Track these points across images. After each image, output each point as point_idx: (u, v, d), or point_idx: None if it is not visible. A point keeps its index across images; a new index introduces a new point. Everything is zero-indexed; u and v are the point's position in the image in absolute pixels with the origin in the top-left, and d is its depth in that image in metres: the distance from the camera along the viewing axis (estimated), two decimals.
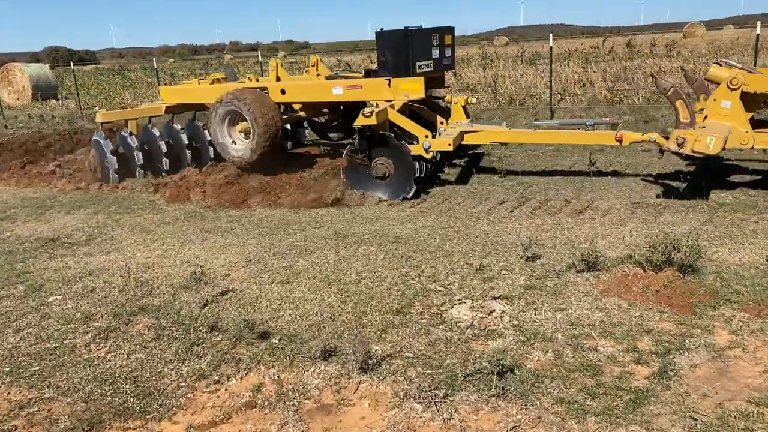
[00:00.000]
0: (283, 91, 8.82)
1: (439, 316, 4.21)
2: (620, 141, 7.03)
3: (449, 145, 7.31)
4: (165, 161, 9.38)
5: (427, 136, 7.34)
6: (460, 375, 3.42)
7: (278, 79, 9.61)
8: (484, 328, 3.97)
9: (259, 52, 29.72)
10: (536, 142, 8.93)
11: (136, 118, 9.92)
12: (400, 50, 7.96)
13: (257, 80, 9.70)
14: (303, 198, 7.63)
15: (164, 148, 9.37)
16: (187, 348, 4.00)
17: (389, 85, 7.98)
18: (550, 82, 14.02)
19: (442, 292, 4.59)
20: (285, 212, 7.34)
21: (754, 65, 12.68)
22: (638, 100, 14.58)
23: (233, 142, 8.68)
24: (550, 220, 6.16)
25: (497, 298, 4.38)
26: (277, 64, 9.67)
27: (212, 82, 10.29)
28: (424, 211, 6.99)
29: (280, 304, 4.61)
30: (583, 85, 16.74)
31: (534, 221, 6.17)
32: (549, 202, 6.85)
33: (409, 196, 7.35)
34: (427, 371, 3.53)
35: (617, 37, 53.49)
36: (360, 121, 7.17)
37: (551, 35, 13.64)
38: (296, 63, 41.45)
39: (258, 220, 7.03)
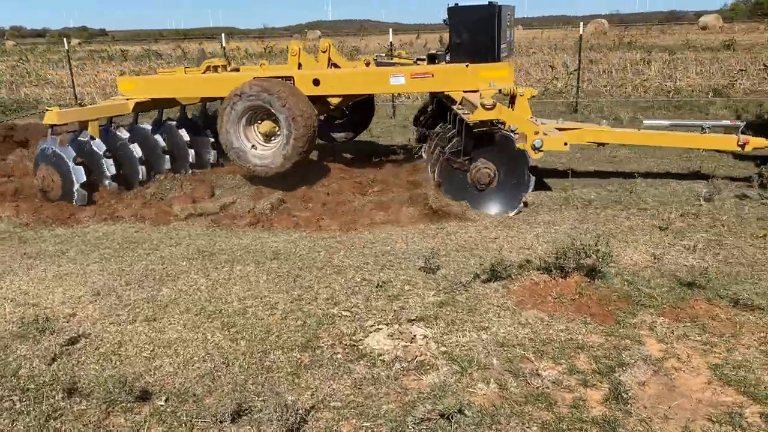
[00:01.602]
0: (316, 82, 7.08)
1: (354, 348, 3.67)
2: (743, 146, 6.61)
3: (565, 144, 6.30)
4: (141, 170, 7.29)
5: (537, 133, 5.95)
6: (408, 425, 2.92)
7: (300, 66, 7.79)
8: (412, 360, 3.51)
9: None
10: (642, 143, 7.62)
11: (97, 119, 7.39)
12: (485, 30, 6.73)
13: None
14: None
15: (138, 154, 7.30)
16: (40, 425, 3.05)
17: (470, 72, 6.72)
18: None
19: (349, 317, 4.05)
20: (126, 228, 6.28)
21: None
22: None
23: (253, 146, 6.96)
24: (433, 225, 5.86)
25: (413, 320, 3.94)
26: (299, 48, 7.74)
27: (205, 71, 8.31)
28: None
29: (153, 349, 3.77)
30: None
31: (418, 227, 5.83)
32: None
33: (517, 208, 6.12)
34: (365, 424, 2.99)
35: (429, 34, 56.14)
36: (479, 116, 5.73)
37: (391, 31, 13.51)
38: (96, 51, 37.93)
39: (95, 240, 5.92)
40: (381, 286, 4.46)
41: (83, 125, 7.09)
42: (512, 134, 5.84)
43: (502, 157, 5.94)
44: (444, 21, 7.18)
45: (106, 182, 7.04)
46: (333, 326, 3.94)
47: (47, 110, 6.98)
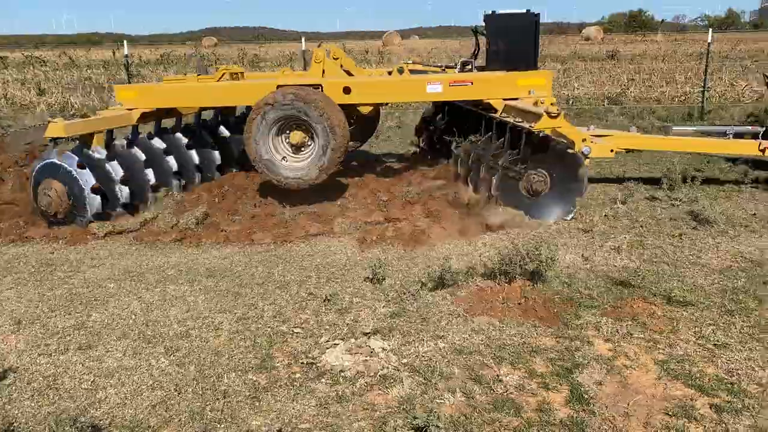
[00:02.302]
0: (347, 90, 6.71)
1: (313, 366, 3.57)
2: (763, 151, 6.74)
3: (611, 151, 6.12)
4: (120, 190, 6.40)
5: (584, 140, 5.85)
6: None
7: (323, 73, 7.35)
8: (375, 374, 3.46)
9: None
10: (673, 149, 7.81)
11: (102, 131, 6.67)
12: (524, 37, 6.74)
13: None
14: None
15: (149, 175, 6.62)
16: None
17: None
18: None
19: (301, 333, 3.94)
20: (39, 249, 5.82)
21: None
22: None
23: (283, 158, 6.52)
24: (353, 228, 5.83)
25: (369, 333, 3.89)
26: (324, 54, 7.21)
27: (220, 78, 7.64)
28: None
29: (94, 380, 3.50)
30: None
31: (354, 236, 5.78)
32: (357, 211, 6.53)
33: (569, 218, 6.02)
34: None
35: (329, 43, 56.24)
36: (545, 124, 5.67)
37: (303, 39, 13.36)
38: None
39: (5, 263, 5.45)
40: (329, 300, 4.38)
41: (87, 138, 6.44)
42: (564, 140, 5.83)
43: (556, 164, 5.86)
44: (474, 29, 7.20)
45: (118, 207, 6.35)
46: (286, 344, 3.82)
47: (50, 122, 6.28)
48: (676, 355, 3.57)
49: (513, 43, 6.87)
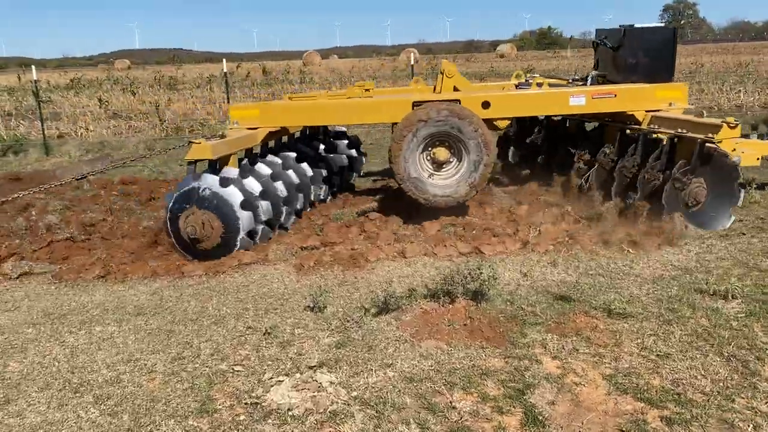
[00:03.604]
0: (486, 104, 6.57)
1: (257, 406, 3.38)
2: None
3: (757, 159, 6.15)
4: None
5: (734, 150, 5.81)
6: None
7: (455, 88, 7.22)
8: (324, 410, 3.30)
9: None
10: None
11: (236, 152, 6.30)
12: (664, 50, 6.88)
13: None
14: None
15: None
16: None
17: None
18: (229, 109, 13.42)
19: (242, 371, 3.74)
20: None
21: None
22: None
23: (430, 176, 6.30)
24: (288, 254, 5.66)
25: (315, 367, 3.73)
26: (455, 69, 7.01)
27: (361, 94, 7.31)
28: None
29: None
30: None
31: (290, 262, 5.60)
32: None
33: (727, 226, 6.00)
34: None
35: (249, 63, 55.72)
36: (725, 134, 5.68)
37: (224, 60, 13.07)
38: None
39: None
40: (269, 333, 4.20)
41: (224, 159, 6.04)
42: (721, 149, 5.80)
43: (716, 173, 5.87)
44: (594, 42, 7.51)
45: (260, 228, 5.97)
46: (226, 384, 3.62)
47: (193, 143, 5.80)
48: (622, 369, 3.60)
49: (652, 55, 7.05)
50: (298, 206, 6.78)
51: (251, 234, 5.87)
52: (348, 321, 4.30)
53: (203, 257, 5.72)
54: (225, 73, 13.17)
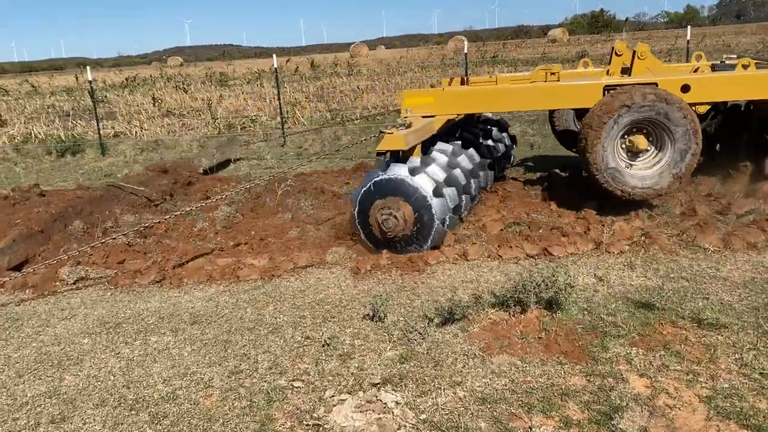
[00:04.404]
0: (686, 88, 6.02)
1: (320, 428, 3.15)
2: None
3: None
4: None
5: None
6: None
7: (624, 71, 6.74)
8: None
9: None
10: None
11: (421, 142, 6.00)
12: None
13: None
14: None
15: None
16: None
17: None
18: (280, 104, 13.33)
19: (302, 388, 3.53)
20: (2, 300, 5.31)
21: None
22: (356, 119, 14.82)
23: (627, 165, 5.97)
24: (346, 258, 5.42)
25: (378, 384, 3.48)
26: (647, 49, 6.56)
27: (546, 78, 6.94)
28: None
29: None
30: (294, 106, 16.46)
31: (347, 266, 5.37)
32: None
33: None
34: None
35: (297, 57, 55.97)
36: None
37: (275, 56, 12.95)
38: None
39: None
40: (328, 345, 3.97)
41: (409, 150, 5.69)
42: None
43: None
44: None
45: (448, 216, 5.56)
46: (286, 402, 3.40)
47: (384, 133, 5.56)
48: (721, 390, 3.23)
49: None
50: (473, 193, 6.39)
51: (443, 223, 5.49)
52: (411, 332, 4.03)
53: (395, 250, 5.47)
54: (275, 69, 13.04)
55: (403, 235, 5.36)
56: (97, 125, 13.83)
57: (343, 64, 37.37)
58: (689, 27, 13.59)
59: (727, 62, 7.14)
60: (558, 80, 6.93)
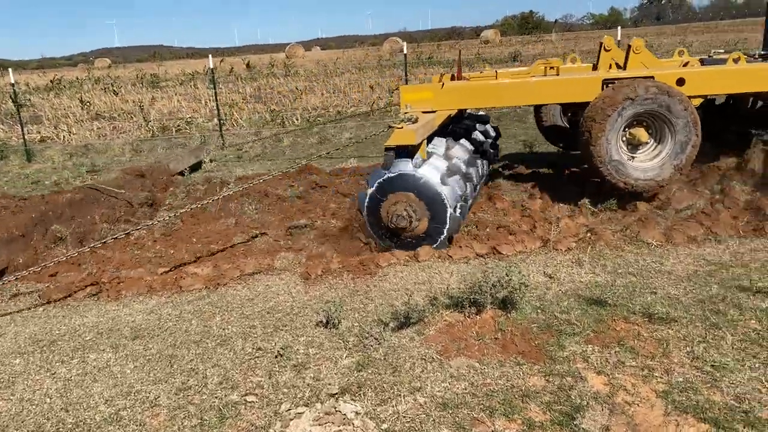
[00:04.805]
0: (681, 81, 6.00)
1: None
2: None
3: None
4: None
5: None
6: None
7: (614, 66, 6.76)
8: None
9: None
10: None
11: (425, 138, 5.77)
12: None
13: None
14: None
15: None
16: None
17: None
18: (217, 106, 12.95)
19: (256, 402, 3.37)
20: None
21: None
22: (297, 119, 14.60)
23: (629, 158, 5.98)
24: (295, 263, 5.29)
25: (336, 395, 3.37)
26: (642, 44, 6.57)
27: (546, 72, 6.93)
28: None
29: None
30: (231, 107, 16.06)
31: (296, 271, 5.22)
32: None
33: None
34: None
35: (231, 57, 54.88)
36: None
37: (210, 56, 12.58)
38: None
39: None
40: (281, 355, 3.83)
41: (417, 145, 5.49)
42: None
43: None
44: None
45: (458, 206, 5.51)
46: (239, 418, 3.25)
47: (393, 127, 5.43)
48: (676, 384, 3.27)
49: None
50: (476, 182, 6.37)
51: (455, 210, 5.44)
52: (366, 338, 3.93)
53: (407, 246, 5.37)
54: (212, 69, 12.67)
55: (418, 231, 5.33)
56: (22, 130, 13.11)
57: (280, 64, 36.89)
58: (619, 28, 14.01)
59: (715, 57, 7.35)
60: (557, 74, 6.97)
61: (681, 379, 3.30)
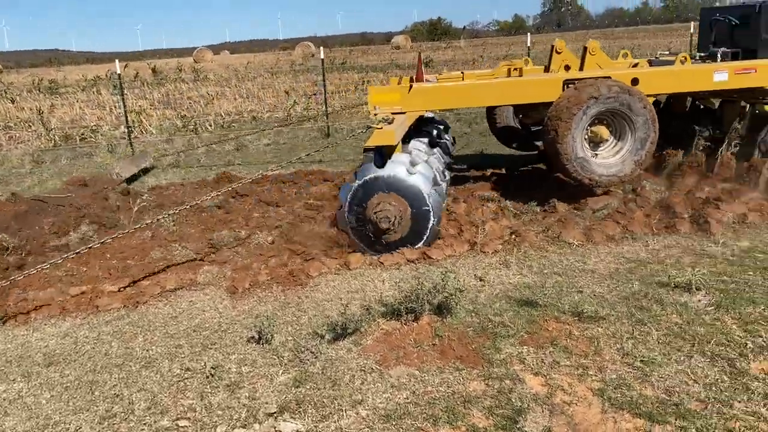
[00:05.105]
0: (635, 81, 6.26)
1: None
2: None
3: None
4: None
5: None
6: None
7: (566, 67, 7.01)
8: None
9: None
10: None
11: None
12: None
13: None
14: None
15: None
16: None
17: None
18: (125, 113, 12.34)
19: (189, 427, 3.19)
20: None
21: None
22: (211, 125, 14.18)
23: (593, 155, 6.17)
24: (220, 277, 5.10)
25: (274, 414, 3.24)
26: (597, 46, 6.86)
27: (509, 74, 7.08)
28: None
29: None
30: (139, 114, 15.36)
31: (222, 285, 5.02)
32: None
33: None
34: None
35: (135, 62, 52.68)
36: None
37: (117, 61, 11.98)
38: None
39: None
40: (213, 375, 3.65)
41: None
42: None
43: None
44: (712, 21, 7.55)
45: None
46: None
47: (374, 128, 5.43)
48: (610, 380, 3.36)
49: None
50: (446, 188, 6.26)
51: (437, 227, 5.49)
52: (302, 352, 3.82)
53: (389, 248, 5.37)
54: (118, 75, 12.08)
55: (401, 232, 5.36)
56: None
57: (188, 69, 35.78)
58: (529, 35, 14.51)
59: (661, 58, 7.76)
60: (520, 75, 7.17)
61: (614, 376, 3.40)
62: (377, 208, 5.25)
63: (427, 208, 5.32)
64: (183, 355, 3.93)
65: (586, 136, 6.21)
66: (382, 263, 5.18)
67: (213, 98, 19.02)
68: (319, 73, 27.23)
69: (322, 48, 13.57)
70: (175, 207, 6.66)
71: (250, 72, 32.54)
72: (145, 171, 9.91)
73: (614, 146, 6.31)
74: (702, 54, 7.49)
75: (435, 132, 7.12)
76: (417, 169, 5.45)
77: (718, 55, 7.14)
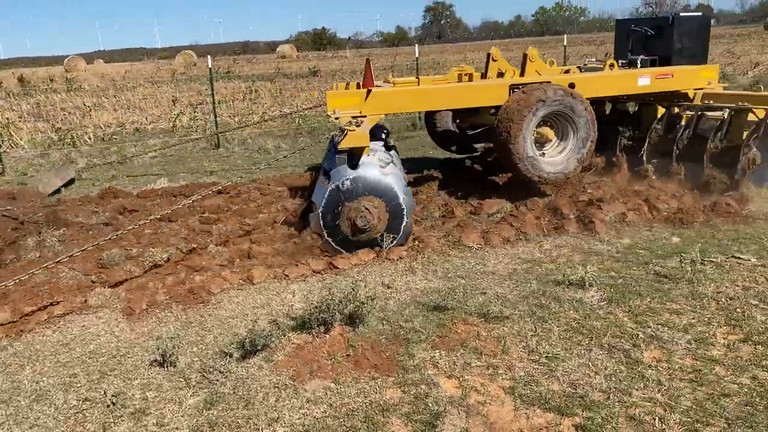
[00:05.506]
0: (572, 86, 6.76)
1: None
2: None
3: None
4: None
5: None
6: None
7: (500, 73, 7.42)
8: None
9: None
10: None
11: None
12: (700, 36, 7.74)
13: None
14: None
15: None
16: None
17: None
18: None
19: None
20: None
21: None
22: (90, 138, 13.37)
23: (542, 154, 6.58)
24: (114, 298, 4.82)
25: None
26: (537, 53, 7.36)
27: (460, 78, 7.29)
28: None
29: None
30: (7, 127, 14.20)
31: (117, 307, 4.73)
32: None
33: None
34: None
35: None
36: None
37: None
38: None
39: None
40: (114, 403, 3.42)
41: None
42: None
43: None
44: (629, 30, 8.13)
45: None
46: None
47: (347, 130, 5.46)
48: (519, 378, 3.49)
49: (694, 40, 7.80)
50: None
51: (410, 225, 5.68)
52: (210, 372, 3.67)
53: (364, 247, 5.52)
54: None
55: (377, 232, 5.47)
56: None
57: (60, 79, 33.58)
58: (416, 46, 14.86)
59: (589, 65, 8.35)
60: (470, 80, 7.37)
61: (522, 374, 3.53)
62: (354, 208, 5.36)
63: (402, 206, 5.49)
64: (79, 385, 3.66)
65: (533, 137, 6.53)
66: (287, 276, 5.10)
67: (90, 109, 17.96)
68: (203, 83, 26.56)
69: (209, 57, 13.14)
70: (62, 227, 6.24)
71: (129, 82, 31.08)
72: (68, 184, 9.29)
73: (558, 146, 6.73)
74: (623, 61, 8.16)
75: (384, 135, 7.21)
76: (388, 170, 5.59)
77: (638, 63, 7.83)
